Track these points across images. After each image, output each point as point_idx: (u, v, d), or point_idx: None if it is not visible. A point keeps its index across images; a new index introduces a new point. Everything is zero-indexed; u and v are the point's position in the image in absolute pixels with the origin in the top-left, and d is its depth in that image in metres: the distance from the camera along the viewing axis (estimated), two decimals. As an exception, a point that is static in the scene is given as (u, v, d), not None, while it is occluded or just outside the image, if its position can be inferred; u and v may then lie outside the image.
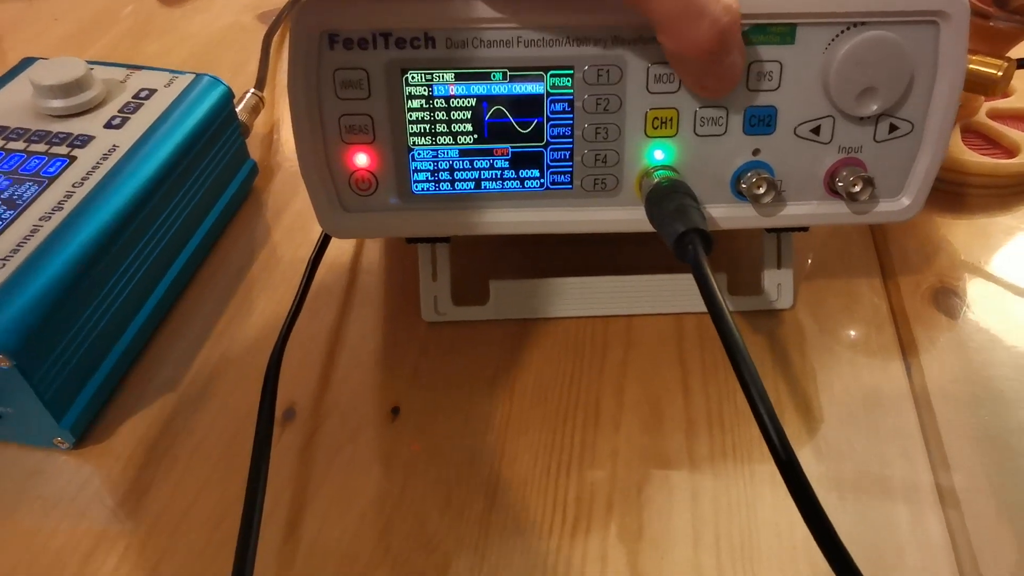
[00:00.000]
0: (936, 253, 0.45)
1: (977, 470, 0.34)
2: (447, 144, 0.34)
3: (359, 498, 0.34)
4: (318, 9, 0.31)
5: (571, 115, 0.34)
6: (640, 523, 0.33)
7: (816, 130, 0.34)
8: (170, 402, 0.38)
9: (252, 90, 0.54)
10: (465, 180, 0.35)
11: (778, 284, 0.41)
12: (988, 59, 0.42)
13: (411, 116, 0.33)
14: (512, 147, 0.34)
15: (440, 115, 0.33)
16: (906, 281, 0.43)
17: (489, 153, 0.34)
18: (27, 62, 0.45)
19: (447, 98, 0.33)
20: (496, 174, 0.35)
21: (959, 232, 0.46)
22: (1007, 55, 0.45)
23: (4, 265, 0.33)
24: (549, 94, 0.33)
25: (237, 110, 0.49)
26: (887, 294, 0.43)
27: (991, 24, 0.45)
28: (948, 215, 0.47)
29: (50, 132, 0.40)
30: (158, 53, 0.65)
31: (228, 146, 0.46)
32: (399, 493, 0.34)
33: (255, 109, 0.53)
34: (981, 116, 0.51)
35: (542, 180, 0.35)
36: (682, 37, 0.29)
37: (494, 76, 0.33)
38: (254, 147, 0.54)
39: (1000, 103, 0.52)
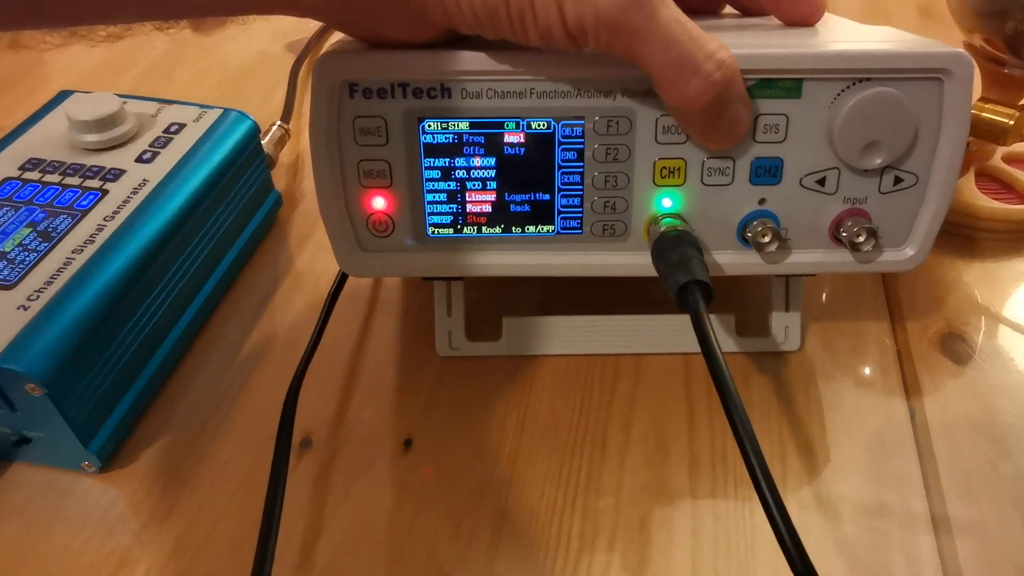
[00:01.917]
0: (945, 297, 0.45)
1: (978, 517, 0.34)
2: (461, 189, 0.35)
3: (372, 527, 0.35)
4: (339, 60, 0.32)
5: (582, 163, 0.35)
6: (641, 559, 0.34)
7: (821, 181, 0.35)
8: (193, 427, 0.39)
9: (278, 123, 0.55)
10: (478, 223, 0.36)
11: (786, 327, 0.41)
12: (1001, 108, 0.43)
13: (427, 162, 0.35)
14: (524, 193, 0.35)
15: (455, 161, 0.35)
16: (914, 325, 0.43)
17: (502, 198, 0.35)
18: (64, 95, 0.47)
19: (462, 145, 0.34)
20: (508, 218, 0.36)
21: (969, 277, 0.46)
22: (1020, 102, 0.45)
23: (38, 296, 0.35)
24: (561, 143, 0.34)
25: (263, 142, 0.50)
26: (895, 337, 0.43)
27: (1005, 71, 0.46)
28: (959, 259, 0.47)
29: (84, 165, 0.42)
30: (189, 81, 0.68)
31: (254, 179, 0.48)
32: (410, 523, 0.35)
33: (281, 141, 0.55)
34: (996, 160, 0.51)
35: (552, 225, 0.36)
36: (677, 92, 0.30)
37: (507, 125, 0.34)
38: (279, 177, 0.55)
39: (1015, 147, 0.52)
